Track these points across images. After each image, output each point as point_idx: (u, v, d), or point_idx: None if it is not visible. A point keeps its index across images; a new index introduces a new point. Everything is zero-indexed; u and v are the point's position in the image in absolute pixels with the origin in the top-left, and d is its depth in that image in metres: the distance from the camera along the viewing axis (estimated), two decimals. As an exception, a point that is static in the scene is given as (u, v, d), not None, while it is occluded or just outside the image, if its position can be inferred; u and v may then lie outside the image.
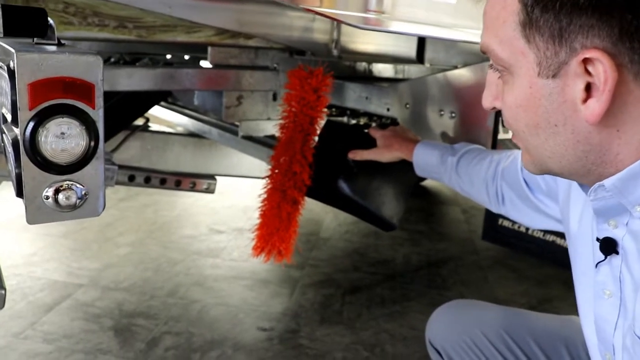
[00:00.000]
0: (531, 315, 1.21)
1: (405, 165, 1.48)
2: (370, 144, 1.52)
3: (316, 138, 1.55)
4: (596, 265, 0.78)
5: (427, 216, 3.74)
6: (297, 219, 1.55)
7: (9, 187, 1.67)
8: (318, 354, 2.02)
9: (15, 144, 0.78)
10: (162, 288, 2.45)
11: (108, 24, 1.47)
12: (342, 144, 1.54)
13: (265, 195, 1.56)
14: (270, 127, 1.89)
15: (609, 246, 0.75)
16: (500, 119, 1.49)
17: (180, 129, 2.47)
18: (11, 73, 0.74)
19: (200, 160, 2.23)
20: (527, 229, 2.29)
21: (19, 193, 0.79)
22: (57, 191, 0.78)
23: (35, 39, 0.87)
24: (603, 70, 0.62)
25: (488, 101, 0.79)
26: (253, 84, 1.78)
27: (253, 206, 3.49)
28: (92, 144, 0.79)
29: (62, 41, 0.90)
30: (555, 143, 0.70)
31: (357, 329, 2.21)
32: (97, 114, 0.78)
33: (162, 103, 2.53)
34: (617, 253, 0.74)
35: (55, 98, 0.75)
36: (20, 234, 2.96)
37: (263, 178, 1.59)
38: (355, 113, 2.01)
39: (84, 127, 0.77)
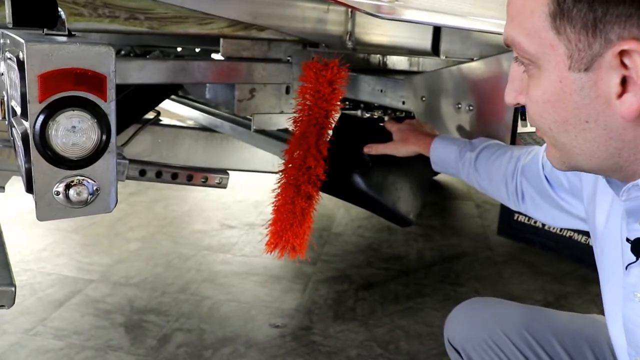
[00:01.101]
0: (553, 314, 1.18)
1: (423, 160, 1.44)
2: (386, 137, 1.49)
3: (331, 132, 1.51)
4: (626, 267, 0.74)
5: (440, 211, 3.70)
6: (311, 215, 1.51)
7: (18, 182, 1.65)
8: (331, 351, 1.99)
9: (25, 137, 0.76)
10: (173, 284, 2.43)
11: (119, 16, 1.44)
12: (358, 137, 1.51)
13: (278, 190, 1.52)
14: (284, 121, 1.86)
15: (638, 246, 0.71)
16: (519, 112, 1.45)
17: (191, 123, 2.44)
18: (21, 64, 0.71)
19: (211, 154, 2.20)
20: (544, 224, 2.26)
21: (29, 189, 0.76)
22: (67, 187, 0.75)
23: (45, 30, 0.84)
24: None
25: (511, 97, 0.75)
26: (266, 76, 1.75)
27: (264, 201, 3.47)
28: (104, 137, 0.76)
29: (72, 32, 0.87)
30: (586, 140, 0.66)
31: (371, 325, 2.17)
32: (109, 107, 0.75)
33: (173, 96, 2.50)
34: None
35: (66, 90, 0.72)
36: (29, 229, 2.94)
37: (276, 173, 1.56)
38: (369, 106, 1.97)
39: (95, 121, 0.74)
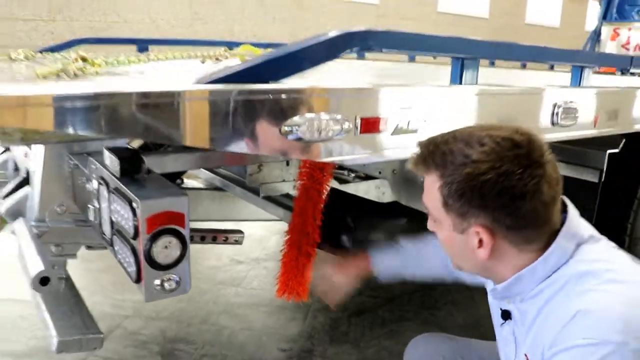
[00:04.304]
0: (479, 343, 1.66)
1: (394, 223, 1.93)
2: (365, 206, 1.98)
3: (323, 205, 2.00)
4: (501, 325, 1.26)
5: (422, 240, 4.17)
6: (310, 268, 1.99)
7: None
8: (329, 370, 2.47)
9: (133, 250, 1.23)
10: (196, 316, 2.90)
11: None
12: (344, 208, 1.99)
13: (285, 250, 2.01)
14: (286, 187, 2.34)
15: (506, 314, 1.22)
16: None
17: (206, 182, 2.91)
18: (134, 210, 1.19)
19: (226, 210, 2.68)
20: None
21: (138, 281, 1.24)
22: (162, 281, 1.23)
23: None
24: (486, 236, 1.09)
25: (431, 226, 1.23)
26: (270, 155, 2.21)
27: (267, 236, 3.95)
28: (183, 250, 1.24)
29: (150, 171, 1.35)
30: (466, 263, 1.18)
31: (362, 347, 2.64)
32: (186, 232, 1.23)
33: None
34: (511, 319, 1.21)
35: (162, 225, 1.19)
36: (66, 270, 3.39)
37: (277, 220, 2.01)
38: (352, 170, 2.46)
39: (178, 241, 1.22)
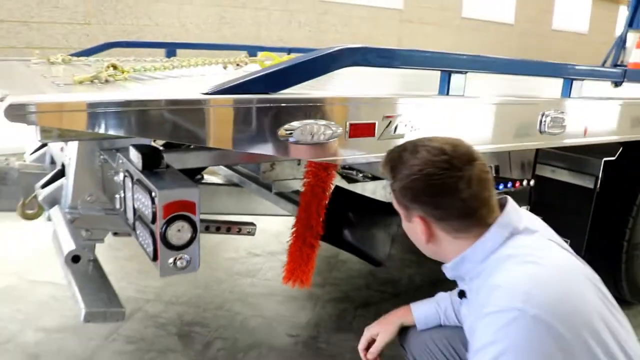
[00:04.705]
0: (458, 329, 1.83)
1: (392, 220, 2.11)
2: (365, 203, 2.16)
3: (327, 201, 2.19)
4: (460, 304, 1.45)
5: (432, 239, 4.33)
6: (314, 258, 2.19)
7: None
8: (331, 355, 2.66)
9: (152, 233, 1.44)
10: (212, 302, 3.11)
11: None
12: (346, 205, 2.19)
13: (291, 242, 2.20)
14: (296, 184, 2.53)
15: (461, 294, 1.43)
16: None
17: (224, 178, 3.12)
18: (152, 200, 1.40)
19: (242, 205, 2.89)
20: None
21: (154, 259, 1.45)
22: (175, 260, 1.44)
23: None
24: (421, 225, 1.33)
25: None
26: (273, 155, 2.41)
27: (283, 231, 4.15)
28: (194, 234, 1.44)
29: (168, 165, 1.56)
30: (419, 247, 1.42)
31: (364, 336, 2.82)
32: (197, 218, 1.44)
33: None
34: (466, 297, 1.39)
35: (175, 212, 1.40)
36: (95, 257, 3.64)
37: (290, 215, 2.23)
38: (360, 170, 2.65)
39: (190, 225, 1.43)
